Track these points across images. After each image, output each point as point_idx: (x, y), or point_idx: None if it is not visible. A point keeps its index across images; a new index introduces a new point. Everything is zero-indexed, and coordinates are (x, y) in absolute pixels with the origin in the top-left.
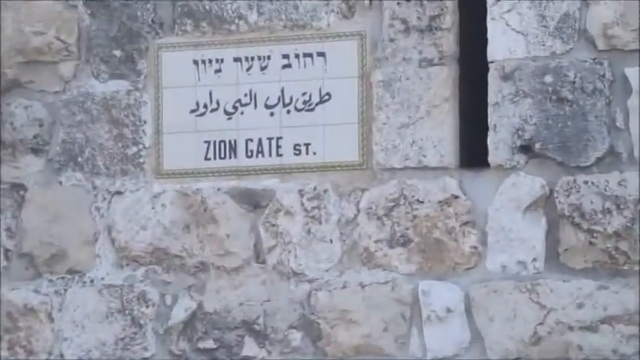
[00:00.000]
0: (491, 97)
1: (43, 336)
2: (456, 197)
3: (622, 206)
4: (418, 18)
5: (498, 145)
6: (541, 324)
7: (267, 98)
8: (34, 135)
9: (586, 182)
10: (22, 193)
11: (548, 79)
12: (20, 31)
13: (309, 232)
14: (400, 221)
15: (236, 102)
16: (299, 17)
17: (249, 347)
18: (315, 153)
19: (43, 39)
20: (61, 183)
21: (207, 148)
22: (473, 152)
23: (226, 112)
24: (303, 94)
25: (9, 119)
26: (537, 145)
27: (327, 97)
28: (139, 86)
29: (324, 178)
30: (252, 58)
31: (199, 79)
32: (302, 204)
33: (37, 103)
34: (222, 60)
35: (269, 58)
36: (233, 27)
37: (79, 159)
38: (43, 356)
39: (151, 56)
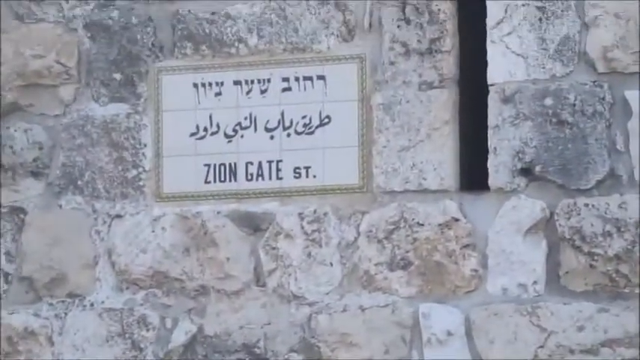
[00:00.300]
0: (492, 119)
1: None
2: (457, 220)
3: (622, 229)
4: (418, 41)
5: (499, 167)
6: (542, 347)
7: (267, 121)
8: (34, 158)
9: (586, 205)
10: (21, 216)
11: (549, 101)
12: (20, 54)
13: (309, 255)
14: (400, 244)
15: (236, 125)
16: (299, 40)
17: None
18: (315, 176)
19: (43, 62)
20: (61, 206)
21: (207, 172)
22: (473, 175)
23: (226, 136)
24: (303, 117)
25: (9, 142)
26: (538, 168)
27: (327, 120)
28: (139, 109)
29: (324, 201)
30: (252, 82)
31: (199, 103)
32: (302, 227)
33: (37, 127)
34: (222, 83)
35: (269, 81)
36: (233, 50)
37: (79, 182)
38: None
39: (151, 79)
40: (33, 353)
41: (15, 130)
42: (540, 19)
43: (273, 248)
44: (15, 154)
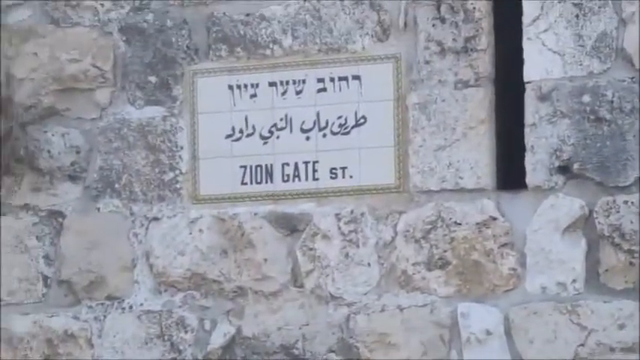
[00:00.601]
0: (528, 117)
1: None
2: (494, 219)
3: None
4: (453, 40)
5: (536, 166)
6: (582, 345)
7: (303, 122)
8: (72, 162)
9: (625, 202)
10: (60, 220)
11: (586, 98)
12: (56, 58)
13: (346, 255)
14: (438, 244)
15: (272, 126)
16: (333, 41)
17: None
18: (351, 176)
19: (79, 66)
20: (98, 210)
21: (244, 173)
22: (510, 174)
23: (262, 137)
24: (339, 117)
25: (46, 147)
26: (576, 166)
27: (362, 120)
28: (175, 112)
29: (360, 202)
30: (287, 83)
31: (235, 104)
32: (339, 227)
33: (74, 131)
34: (257, 85)
35: (304, 82)
36: (268, 51)
37: (117, 185)
38: None
39: (187, 82)
40: (73, 356)
41: (52, 135)
42: (577, 16)
43: (311, 249)
44: (52, 158)
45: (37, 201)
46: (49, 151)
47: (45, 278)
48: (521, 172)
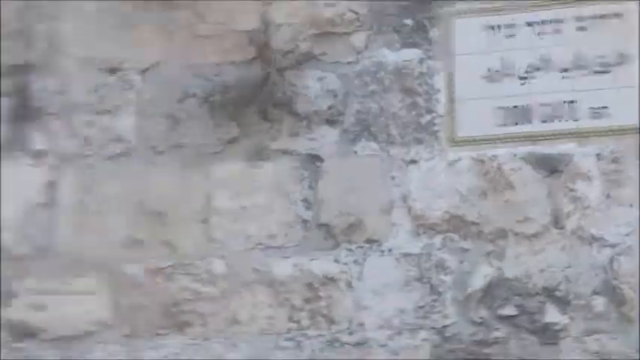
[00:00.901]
0: None
1: (343, 305)
2: None
3: None
4: None
5: None
6: None
7: (562, 62)
8: (329, 106)
9: None
10: (317, 164)
11: None
12: (313, 3)
13: (607, 196)
14: None
15: (529, 67)
16: None
17: (552, 314)
18: (612, 116)
19: (336, 10)
20: (356, 153)
21: (501, 114)
22: None
23: (520, 78)
24: (599, 56)
25: (303, 91)
26: None
27: (623, 58)
28: (431, 54)
29: (621, 142)
30: (545, 22)
31: (491, 45)
32: (600, 168)
33: (330, 75)
34: (514, 25)
35: (562, 21)
36: None
37: (373, 129)
38: (344, 325)
39: (443, 24)
40: (333, 299)
41: (309, 79)
42: None
43: (571, 190)
44: (310, 102)
45: (296, 145)
46: (306, 96)
47: (304, 222)
48: None
